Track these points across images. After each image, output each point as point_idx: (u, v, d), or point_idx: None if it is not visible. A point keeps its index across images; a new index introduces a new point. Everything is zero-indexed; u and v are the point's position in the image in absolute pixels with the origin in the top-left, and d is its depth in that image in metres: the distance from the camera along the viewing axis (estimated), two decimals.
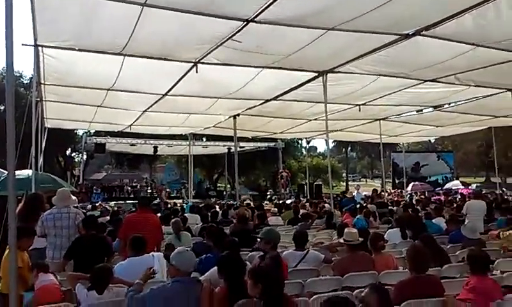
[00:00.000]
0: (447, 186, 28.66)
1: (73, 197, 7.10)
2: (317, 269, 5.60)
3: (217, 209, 12.40)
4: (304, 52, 7.61)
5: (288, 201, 17.14)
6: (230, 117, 14.13)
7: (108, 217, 10.96)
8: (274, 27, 6.51)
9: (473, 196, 11.85)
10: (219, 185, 39.34)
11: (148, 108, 12.48)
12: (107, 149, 24.67)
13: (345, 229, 5.98)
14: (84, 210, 10.77)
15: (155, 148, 24.85)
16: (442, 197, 20.26)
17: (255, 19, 6.21)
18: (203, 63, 8.26)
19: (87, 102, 11.64)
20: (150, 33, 6.78)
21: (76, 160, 38.57)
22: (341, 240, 5.99)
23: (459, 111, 13.68)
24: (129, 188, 30.29)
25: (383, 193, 19.43)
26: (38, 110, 11.38)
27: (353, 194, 16.43)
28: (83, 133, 26.45)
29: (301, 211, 11.69)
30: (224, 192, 30.21)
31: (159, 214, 9.56)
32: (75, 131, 32.21)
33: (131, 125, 15.84)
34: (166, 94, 10.72)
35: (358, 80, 9.82)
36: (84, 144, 24.32)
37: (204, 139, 27.80)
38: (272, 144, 26.92)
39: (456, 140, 41.00)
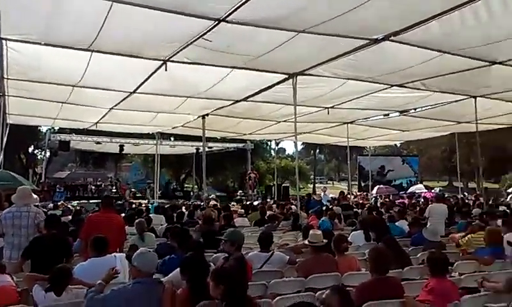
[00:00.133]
0: (410, 190, 29.26)
1: (35, 196, 6.92)
2: (281, 271, 5.61)
3: (184, 210, 12.29)
4: (275, 53, 7.62)
5: (255, 203, 17.17)
6: (199, 117, 14.00)
7: (70, 217, 10.71)
8: (245, 28, 6.48)
9: (435, 200, 12.15)
10: (186, 185, 39.00)
11: (115, 105, 12.24)
12: (71, 147, 24.04)
13: (310, 231, 6.01)
14: (45, 209, 10.49)
15: (121, 146, 24.43)
16: (406, 201, 20.68)
17: (226, 19, 6.17)
18: (172, 61, 8.16)
19: (52, 98, 11.33)
20: (119, 30, 6.64)
21: (39, 157, 37.58)
22: (306, 242, 6.03)
23: (424, 116, 14.02)
24: (93, 187, 29.73)
25: (348, 196, 19.69)
26: None
27: (321, 196, 16.61)
28: (47, 130, 25.75)
29: (268, 212, 11.75)
30: (192, 193, 29.99)
31: (123, 214, 9.41)
32: (39, 128, 31.38)
33: (97, 122, 15.52)
34: (133, 92, 10.53)
35: (327, 84, 9.91)
36: (48, 141, 23.64)
37: (172, 139, 27.49)
38: (241, 145, 26.87)
39: (421, 145, 42.09)
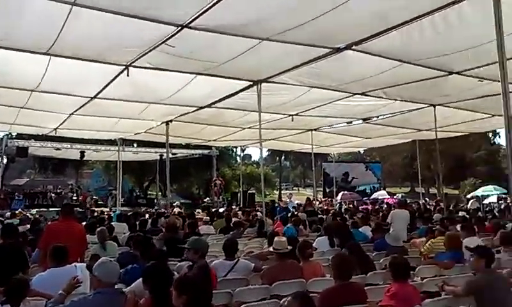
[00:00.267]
0: (374, 196, 29.87)
1: None
2: (246, 278, 5.57)
3: (147, 217, 12.08)
4: (239, 60, 7.63)
5: (220, 209, 17.07)
6: (162, 123, 13.85)
7: (28, 226, 10.32)
8: (209, 34, 6.46)
9: (397, 206, 12.40)
10: (150, 192, 38.37)
11: (75, 111, 11.90)
12: (30, 153, 23.27)
13: (275, 238, 6.01)
14: (1, 218, 10.09)
15: (82, 153, 23.78)
16: (369, 207, 21.08)
17: (190, 25, 6.14)
18: (134, 67, 8.05)
19: (8, 102, 10.90)
20: (79, 33, 6.48)
21: None
22: (271, 249, 6.02)
23: (385, 124, 14.38)
24: (53, 195, 28.70)
25: (314, 202, 19.88)
26: None
27: (287, 202, 16.69)
28: (3, 136, 24.75)
29: (233, 219, 11.68)
30: (155, 200, 29.52)
31: (84, 223, 9.16)
32: None
33: (56, 128, 15.01)
34: (94, 97, 10.28)
35: (291, 91, 10.02)
36: (5, 147, 22.73)
37: (135, 145, 27.02)
38: (206, 151, 26.70)
39: (384, 152, 43.11)
